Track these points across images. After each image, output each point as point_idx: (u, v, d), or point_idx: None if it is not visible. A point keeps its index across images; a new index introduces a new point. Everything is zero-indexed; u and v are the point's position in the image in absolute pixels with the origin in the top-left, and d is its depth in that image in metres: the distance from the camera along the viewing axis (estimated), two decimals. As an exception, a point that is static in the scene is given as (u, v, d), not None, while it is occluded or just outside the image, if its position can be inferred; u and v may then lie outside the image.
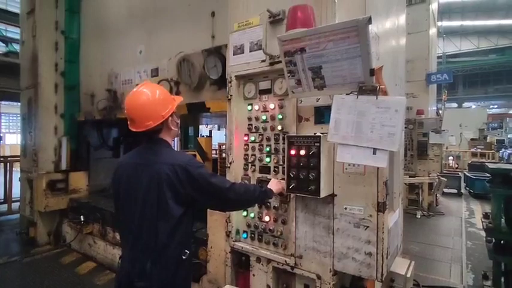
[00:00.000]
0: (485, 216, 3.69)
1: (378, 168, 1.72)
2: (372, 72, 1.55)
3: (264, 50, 2.11)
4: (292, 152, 1.85)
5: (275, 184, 2.00)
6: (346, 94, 1.65)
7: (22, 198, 5.40)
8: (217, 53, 2.95)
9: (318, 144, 1.76)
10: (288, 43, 1.70)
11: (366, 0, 1.87)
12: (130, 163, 1.69)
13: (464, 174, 10.31)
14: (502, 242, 3.39)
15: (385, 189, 1.75)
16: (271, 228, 2.20)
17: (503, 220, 3.38)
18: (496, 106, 30.75)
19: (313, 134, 1.84)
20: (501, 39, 25.00)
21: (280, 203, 2.16)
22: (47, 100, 4.99)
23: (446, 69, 13.89)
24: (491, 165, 3.40)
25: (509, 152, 15.79)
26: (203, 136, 3.62)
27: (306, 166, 1.80)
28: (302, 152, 1.81)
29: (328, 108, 1.91)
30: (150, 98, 1.63)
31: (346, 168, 1.84)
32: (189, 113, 3.39)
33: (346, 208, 1.84)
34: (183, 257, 1.60)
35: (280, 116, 2.17)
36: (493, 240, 3.45)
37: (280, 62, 2.06)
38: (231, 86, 2.41)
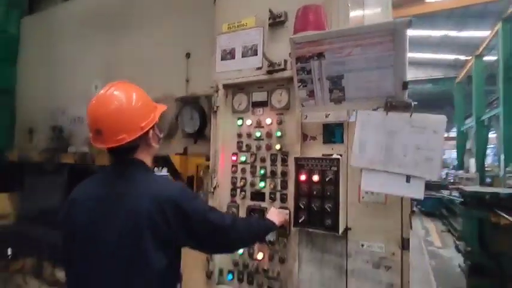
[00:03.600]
0: (459, 238, 3.72)
1: (402, 197, 1.48)
2: (405, 85, 1.32)
3: (265, 55, 1.79)
4: (303, 177, 1.53)
5: (276, 215, 1.64)
6: (372, 110, 1.39)
7: None
8: (195, 104, 2.53)
9: (335, 169, 1.46)
10: (303, 46, 1.41)
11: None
12: (91, 197, 1.20)
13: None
14: (476, 264, 3.40)
15: (410, 223, 1.50)
16: (265, 268, 1.82)
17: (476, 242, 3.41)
18: (431, 130, 34.33)
19: (325, 155, 1.54)
20: (435, 71, 28.23)
21: (278, 236, 1.80)
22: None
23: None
24: (467, 189, 3.44)
25: (446, 171, 17.46)
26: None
27: (320, 195, 1.48)
28: (315, 178, 1.50)
29: (339, 125, 1.65)
30: (125, 103, 1.20)
31: (363, 197, 1.56)
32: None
33: (363, 245, 1.55)
34: None
35: (278, 133, 1.84)
36: (468, 263, 3.46)
37: (281, 70, 1.79)
38: (217, 96, 2.04)
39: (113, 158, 1.25)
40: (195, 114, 2.48)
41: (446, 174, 16.59)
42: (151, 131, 1.26)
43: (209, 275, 1.97)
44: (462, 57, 18.16)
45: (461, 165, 16.13)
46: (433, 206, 9.24)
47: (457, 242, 3.67)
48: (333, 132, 1.67)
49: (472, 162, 15.77)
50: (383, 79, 1.34)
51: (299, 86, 1.51)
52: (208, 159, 2.10)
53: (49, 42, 4.01)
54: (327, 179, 1.47)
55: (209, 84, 2.12)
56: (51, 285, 3.42)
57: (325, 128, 1.69)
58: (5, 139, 4.32)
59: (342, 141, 1.64)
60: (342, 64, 1.38)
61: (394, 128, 1.34)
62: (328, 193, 1.46)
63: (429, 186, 11.36)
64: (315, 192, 1.50)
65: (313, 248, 1.67)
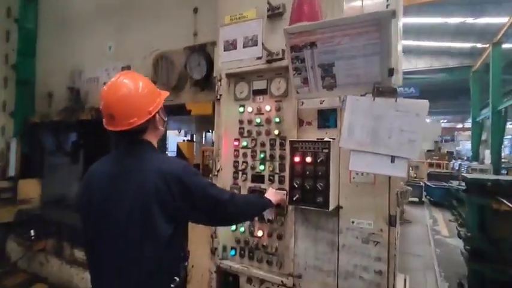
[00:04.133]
0: (460, 224, 3.78)
1: (389, 177, 1.58)
2: (392, 72, 1.41)
3: (264, 45, 1.90)
4: (297, 159, 1.65)
5: (273, 195, 1.77)
6: (361, 95, 1.49)
7: (-45, 209, 4.59)
8: (202, 51, 2.69)
9: (326, 151, 1.58)
10: (296, 36, 1.52)
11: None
12: (105, 173, 1.35)
13: (425, 183, 10.87)
14: (476, 249, 3.46)
15: (397, 200, 1.61)
16: (264, 244, 1.96)
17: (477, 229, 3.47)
18: (445, 120, 33.46)
19: (319, 139, 1.66)
20: (450, 60, 27.38)
21: (276, 215, 1.94)
22: (-8, 96, 4.34)
23: (412, 83, 14.77)
24: (468, 176, 3.48)
25: (459, 163, 17.16)
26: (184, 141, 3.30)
27: (312, 175, 1.60)
28: (308, 159, 1.62)
29: (333, 111, 1.76)
30: (133, 90, 1.33)
31: (353, 178, 1.67)
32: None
33: (353, 222, 1.67)
34: (172, 286, 1.31)
35: (277, 119, 1.96)
36: (469, 248, 3.52)
37: (279, 59, 1.90)
38: (220, 85, 2.17)
39: (124, 140, 1.40)
40: (202, 61, 2.62)
41: (460, 165, 16.35)
42: (157, 115, 1.40)
43: (213, 251, 2.13)
44: (479, 45, 17.59)
45: (476, 156, 15.79)
46: (442, 196, 9.18)
47: (459, 229, 3.72)
48: (327, 118, 1.78)
49: (487, 154, 15.43)
50: (370, 66, 1.44)
51: (294, 74, 1.62)
52: (213, 107, 2.26)
53: (64, 7, 4.32)
54: (318, 160, 1.59)
55: (215, 37, 2.29)
56: (70, 264, 3.69)
57: (319, 113, 1.80)
58: (27, 130, 4.61)
59: (336, 126, 1.75)
60: (333, 53, 1.48)
61: (381, 112, 1.44)
62: (320, 173, 1.58)
63: (440, 176, 11.28)
64: (307, 173, 1.62)
65: (308, 225, 1.80)
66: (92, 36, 3.93)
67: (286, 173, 1.86)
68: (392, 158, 1.41)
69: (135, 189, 1.24)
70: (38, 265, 4.02)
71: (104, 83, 1.36)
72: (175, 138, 5.37)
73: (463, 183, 6.53)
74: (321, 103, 1.79)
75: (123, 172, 1.30)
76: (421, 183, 10.68)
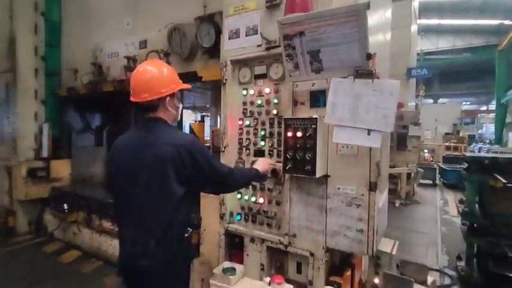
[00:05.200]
0: (461, 201, 3.94)
1: (370, 149, 1.82)
2: (369, 56, 1.62)
3: (262, 34, 2.14)
4: (289, 134, 1.91)
5: (261, 164, 2.02)
6: (343, 78, 1.72)
7: (-3, 187, 5.17)
8: (211, 20, 2.92)
9: (314, 126, 1.83)
10: (287, 26, 1.74)
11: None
12: (129, 144, 1.67)
13: (439, 166, 10.82)
14: (475, 225, 3.63)
15: (377, 170, 1.84)
16: (265, 209, 2.26)
17: (476, 205, 3.62)
18: (468, 103, 32.23)
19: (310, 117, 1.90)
20: (475, 39, 26.06)
21: (275, 184, 2.22)
22: (26, 85, 4.78)
23: (424, 65, 14.35)
24: (468, 154, 3.61)
25: (479, 146, 16.73)
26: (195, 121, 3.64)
27: (302, 147, 1.86)
28: (299, 134, 1.87)
29: (323, 92, 1.98)
30: (153, 72, 1.64)
31: (339, 150, 1.92)
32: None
33: (339, 188, 1.93)
34: (185, 235, 1.63)
35: (275, 100, 2.21)
36: (467, 224, 3.69)
37: (277, 46, 2.12)
38: (226, 71, 2.42)
39: (141, 116, 1.71)
40: (211, 29, 2.89)
41: (480, 148, 15.98)
42: (168, 98, 1.67)
43: (222, 217, 2.46)
44: (507, 22, 16.71)
45: (499, 139, 15.33)
46: (456, 178, 9.15)
47: (458, 205, 3.88)
48: (318, 98, 2.01)
49: (511, 137, 14.93)
50: (351, 52, 1.65)
51: (286, 60, 1.86)
52: (222, 72, 2.49)
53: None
54: (307, 135, 1.84)
55: (221, 8, 2.52)
56: (99, 233, 4.16)
57: (311, 94, 2.04)
58: (56, 115, 5.09)
59: (325, 105, 1.95)
60: (319, 40, 1.70)
61: (359, 92, 1.66)
62: (308, 145, 1.84)
63: (455, 159, 11.16)
64: (298, 145, 1.87)
65: (301, 192, 2.08)
66: (110, 15, 4.31)
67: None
68: (369, 131, 1.64)
69: (154, 157, 1.55)
70: (71, 234, 4.53)
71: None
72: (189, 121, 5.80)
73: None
74: (312, 85, 2.02)
75: (144, 144, 1.61)
76: (435, 166, 10.64)
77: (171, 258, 1.58)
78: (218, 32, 2.76)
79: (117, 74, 4.16)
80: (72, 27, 4.94)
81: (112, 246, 3.88)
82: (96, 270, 3.82)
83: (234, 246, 2.44)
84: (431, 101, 29.77)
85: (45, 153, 4.93)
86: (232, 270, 1.62)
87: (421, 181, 9.65)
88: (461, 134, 18.53)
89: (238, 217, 2.41)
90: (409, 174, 7.70)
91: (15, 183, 4.79)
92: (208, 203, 2.60)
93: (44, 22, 4.91)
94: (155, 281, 1.55)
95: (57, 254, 4.26)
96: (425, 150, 15.28)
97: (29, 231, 4.94)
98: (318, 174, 1.84)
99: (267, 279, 1.53)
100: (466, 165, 3.65)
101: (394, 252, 2.40)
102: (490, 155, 4.05)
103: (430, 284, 1.54)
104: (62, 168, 5.09)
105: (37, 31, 4.86)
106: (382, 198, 2.24)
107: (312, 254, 2.02)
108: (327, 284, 1.99)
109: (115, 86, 4.01)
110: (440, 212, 6.86)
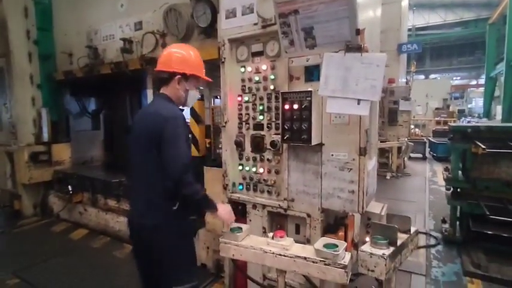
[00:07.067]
0: (446, 169, 4.21)
1: (360, 118, 1.99)
2: (358, 32, 1.77)
3: (258, 13, 2.25)
4: (286, 106, 2.08)
5: (223, 206, 1.98)
6: (335, 52, 1.86)
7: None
8: (207, 0, 2.99)
9: (309, 98, 1.99)
10: (282, 5, 1.87)
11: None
12: (140, 113, 1.94)
13: (429, 139, 11.17)
14: (458, 189, 3.91)
15: (366, 137, 2.03)
16: (265, 178, 2.46)
17: (459, 171, 3.89)
18: (459, 78, 32.55)
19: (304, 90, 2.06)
20: (466, 13, 26.00)
21: (273, 155, 2.41)
22: (21, 70, 4.81)
23: (415, 40, 14.39)
24: (452, 124, 3.83)
25: (468, 119, 17.16)
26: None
27: (298, 118, 2.03)
28: (295, 106, 2.04)
29: (317, 67, 2.13)
30: (178, 51, 1.87)
31: (333, 120, 2.10)
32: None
33: (332, 155, 2.12)
34: (173, 208, 1.72)
35: (272, 77, 2.36)
36: (451, 189, 3.97)
37: (272, 24, 2.24)
38: (224, 50, 2.54)
39: (156, 91, 1.92)
40: (207, 9, 2.96)
41: (468, 122, 16.40)
42: (179, 77, 1.82)
43: (225, 187, 2.65)
44: (498, -6, 16.67)
45: (488, 113, 15.60)
46: (445, 151, 9.50)
47: (443, 172, 4.16)
48: (312, 73, 2.16)
49: (499, 110, 15.20)
50: (342, 28, 1.79)
51: (282, 37, 1.99)
52: (219, 52, 2.60)
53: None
54: (303, 106, 2.01)
55: None
56: (105, 211, 4.36)
57: (306, 69, 2.19)
58: (53, 99, 5.14)
59: (319, 79, 2.11)
60: (312, 18, 1.83)
61: (350, 65, 1.81)
62: (304, 116, 2.01)
63: (444, 133, 11.49)
64: (295, 117, 2.04)
65: (298, 160, 2.27)
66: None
67: (281, 121, 2.28)
68: (358, 101, 1.81)
69: (147, 125, 1.76)
70: (77, 214, 4.72)
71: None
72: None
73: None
74: (307, 61, 2.16)
75: (146, 113, 1.86)
76: (425, 140, 10.98)
77: (159, 223, 1.71)
78: (214, 11, 2.83)
79: (113, 56, 4.21)
80: (64, 11, 4.91)
81: (119, 222, 4.08)
82: (105, 245, 4.05)
83: (237, 213, 2.64)
84: (423, 77, 30.01)
85: (45, 137, 5.03)
86: (239, 229, 1.83)
87: (412, 155, 10.01)
88: (451, 109, 18.88)
89: (240, 187, 2.60)
90: (399, 148, 8.00)
91: (18, 168, 4.92)
92: (211, 174, 2.78)
93: (33, 5, 4.86)
94: (148, 243, 1.74)
95: (67, 233, 4.47)
96: (414, 126, 15.61)
97: (35, 214, 5.13)
98: (314, 142, 2.03)
99: (270, 234, 1.74)
100: (451, 135, 3.89)
101: (383, 213, 2.64)
102: (472, 124, 4.29)
103: (412, 232, 1.77)
104: (62, 152, 5.22)
105: (27, 14, 4.83)
106: (371, 163, 2.45)
107: (308, 215, 2.24)
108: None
109: (112, 68, 4.09)
110: (429, 183, 7.21)
